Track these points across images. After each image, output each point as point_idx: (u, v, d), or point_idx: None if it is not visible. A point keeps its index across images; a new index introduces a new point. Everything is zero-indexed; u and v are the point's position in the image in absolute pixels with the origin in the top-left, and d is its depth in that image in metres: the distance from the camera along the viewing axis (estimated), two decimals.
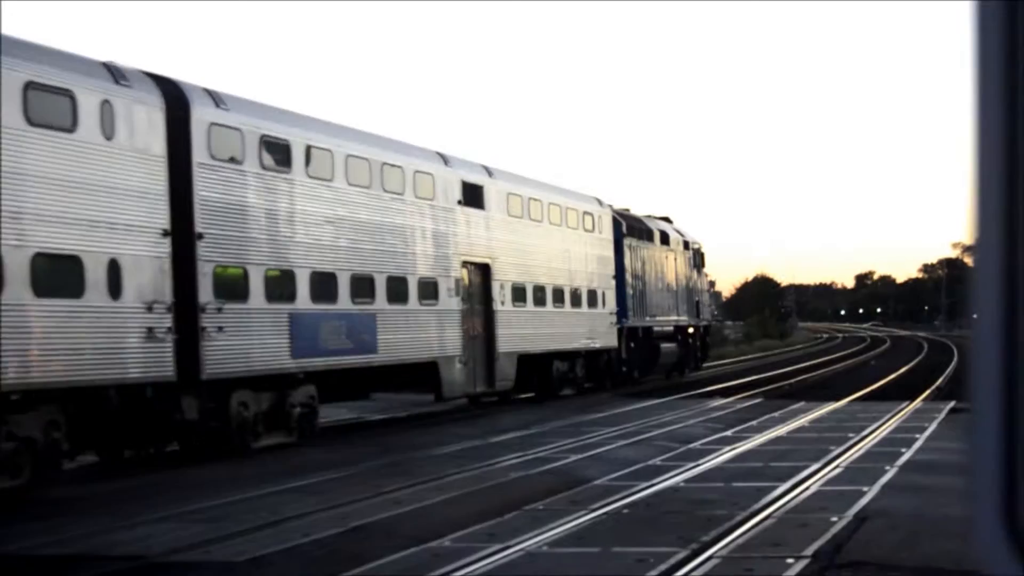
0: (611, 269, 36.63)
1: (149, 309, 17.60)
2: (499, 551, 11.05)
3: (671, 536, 11.59)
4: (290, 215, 21.38)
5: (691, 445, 20.14)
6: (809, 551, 10.73)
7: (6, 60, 15.39)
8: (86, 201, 16.64)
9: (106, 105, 17.13)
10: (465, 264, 27.95)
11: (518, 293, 30.55)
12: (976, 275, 2.03)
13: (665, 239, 42.67)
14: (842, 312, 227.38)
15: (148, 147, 17.95)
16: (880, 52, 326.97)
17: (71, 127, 16.53)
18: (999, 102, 2.00)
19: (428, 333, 25.91)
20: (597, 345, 35.30)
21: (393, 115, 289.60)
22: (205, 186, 19.22)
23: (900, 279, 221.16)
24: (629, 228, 38.99)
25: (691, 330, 44.99)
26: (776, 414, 25.92)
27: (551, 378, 32.64)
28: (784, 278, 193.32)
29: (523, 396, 31.87)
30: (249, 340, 19.98)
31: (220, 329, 19.15)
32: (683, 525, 12.24)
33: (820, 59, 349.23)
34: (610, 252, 36.81)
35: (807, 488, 14.74)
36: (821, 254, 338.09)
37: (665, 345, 41.24)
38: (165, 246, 18.12)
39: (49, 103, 16.16)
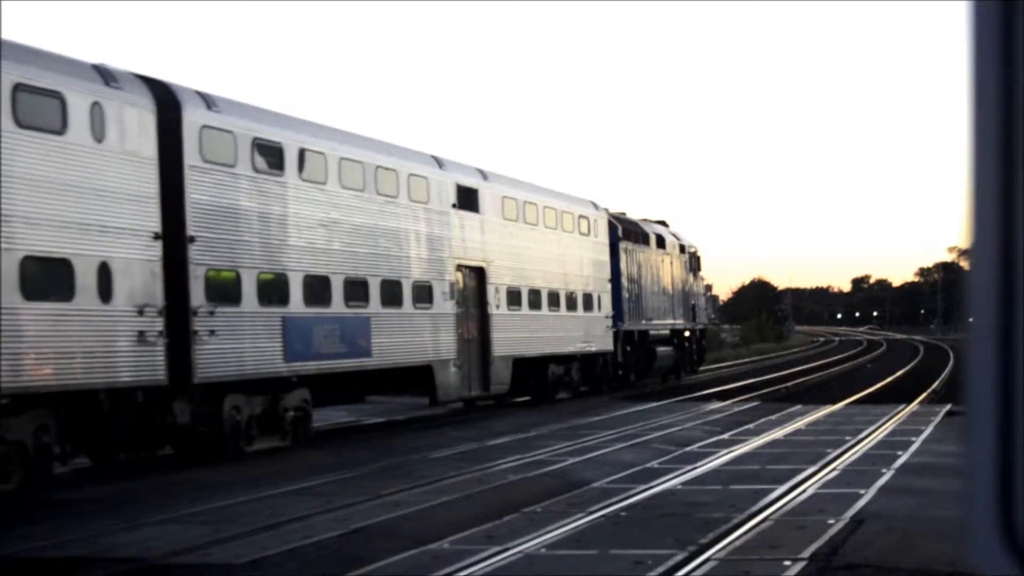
0: (607, 273, 36.56)
1: (140, 313, 17.49)
2: (498, 553, 11.11)
3: (669, 538, 11.63)
4: (283, 218, 21.28)
5: (688, 448, 20.15)
6: (806, 553, 10.77)
7: None
8: (76, 204, 16.53)
9: (96, 107, 17.03)
10: (460, 267, 27.87)
11: (513, 296, 30.47)
12: (971, 279, 2.03)
13: (661, 243, 42.64)
14: (839, 316, 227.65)
15: (139, 150, 17.84)
16: (877, 56, 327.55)
17: (61, 129, 16.42)
18: (995, 103, 2.00)
19: (422, 336, 25.82)
20: (593, 349, 35.22)
21: (387, 118, 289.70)
22: (197, 189, 19.12)
23: (896, 283, 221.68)
24: (625, 232, 38.95)
25: (687, 334, 44.96)
26: (773, 417, 25.94)
27: (547, 382, 32.57)
28: (781, 282, 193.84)
29: (519, 400, 31.79)
30: (242, 344, 19.87)
31: (212, 333, 19.04)
32: (680, 527, 12.29)
33: (816, 63, 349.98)
34: (606, 256, 36.74)
35: (804, 491, 14.77)
36: (818, 258, 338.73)
37: (661, 349, 41.20)
38: (156, 249, 18.00)
39: (38, 105, 16.06)
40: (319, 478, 16.88)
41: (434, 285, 26.46)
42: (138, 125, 17.86)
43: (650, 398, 33.30)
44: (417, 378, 25.84)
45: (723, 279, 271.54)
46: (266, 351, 20.47)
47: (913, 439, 20.45)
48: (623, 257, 38.28)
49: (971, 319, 2.03)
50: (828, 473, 16.38)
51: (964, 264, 2.10)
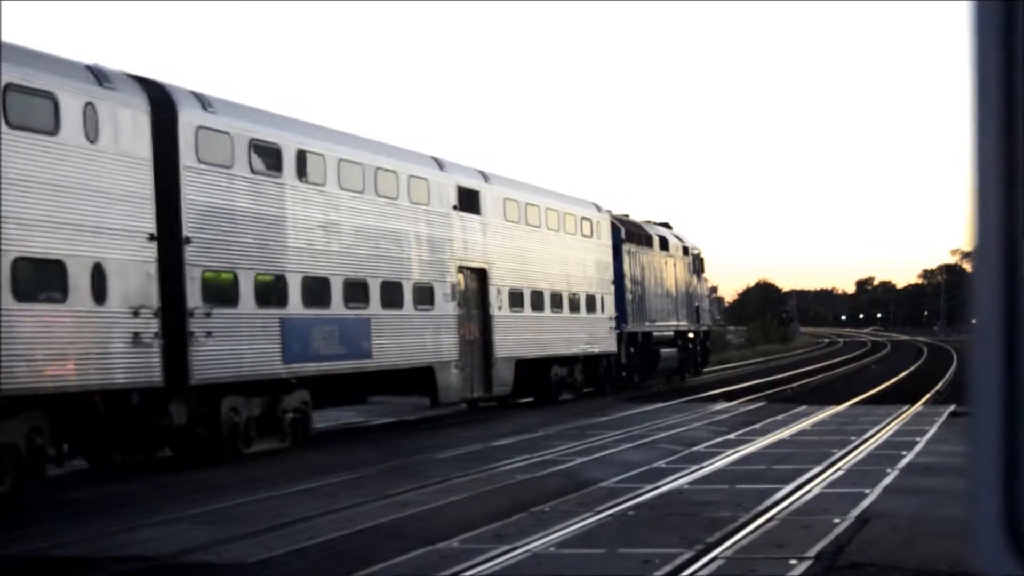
0: (610, 274, 36.47)
1: (135, 314, 17.34)
2: (506, 552, 11.14)
3: (676, 537, 11.69)
4: (281, 220, 21.12)
5: (695, 448, 20.15)
6: (812, 552, 10.80)
7: None
8: (69, 205, 16.39)
9: (89, 108, 16.89)
10: (461, 269, 27.73)
11: (515, 298, 30.34)
12: (974, 281, 2.05)
13: (664, 244, 42.53)
14: (843, 317, 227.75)
15: (133, 150, 17.69)
16: (880, 57, 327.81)
17: (53, 130, 16.28)
18: (997, 104, 2.00)
19: (423, 338, 25.67)
20: (596, 350, 35.09)
21: (387, 119, 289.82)
22: (193, 190, 18.97)
23: (900, 285, 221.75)
24: (628, 233, 38.84)
25: (691, 335, 44.89)
26: (779, 417, 25.94)
27: (550, 383, 32.45)
28: (786, 284, 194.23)
29: (522, 401, 31.69)
30: (239, 345, 19.71)
31: (209, 334, 18.87)
32: (687, 526, 12.35)
33: (820, 65, 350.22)
34: (609, 257, 36.64)
35: (810, 490, 14.80)
36: (822, 260, 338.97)
37: (665, 350, 41.09)
38: (151, 250, 17.86)
39: (30, 106, 15.94)
40: (326, 478, 16.83)
41: (435, 287, 26.32)
42: (132, 126, 17.71)
43: (655, 399, 33.25)
44: (418, 379, 25.73)
45: (728, 281, 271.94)
46: (264, 352, 20.31)
47: (917, 439, 20.43)
48: (626, 259, 38.19)
49: (974, 321, 2.05)
50: (833, 473, 16.35)
51: (967, 266, 2.13)
